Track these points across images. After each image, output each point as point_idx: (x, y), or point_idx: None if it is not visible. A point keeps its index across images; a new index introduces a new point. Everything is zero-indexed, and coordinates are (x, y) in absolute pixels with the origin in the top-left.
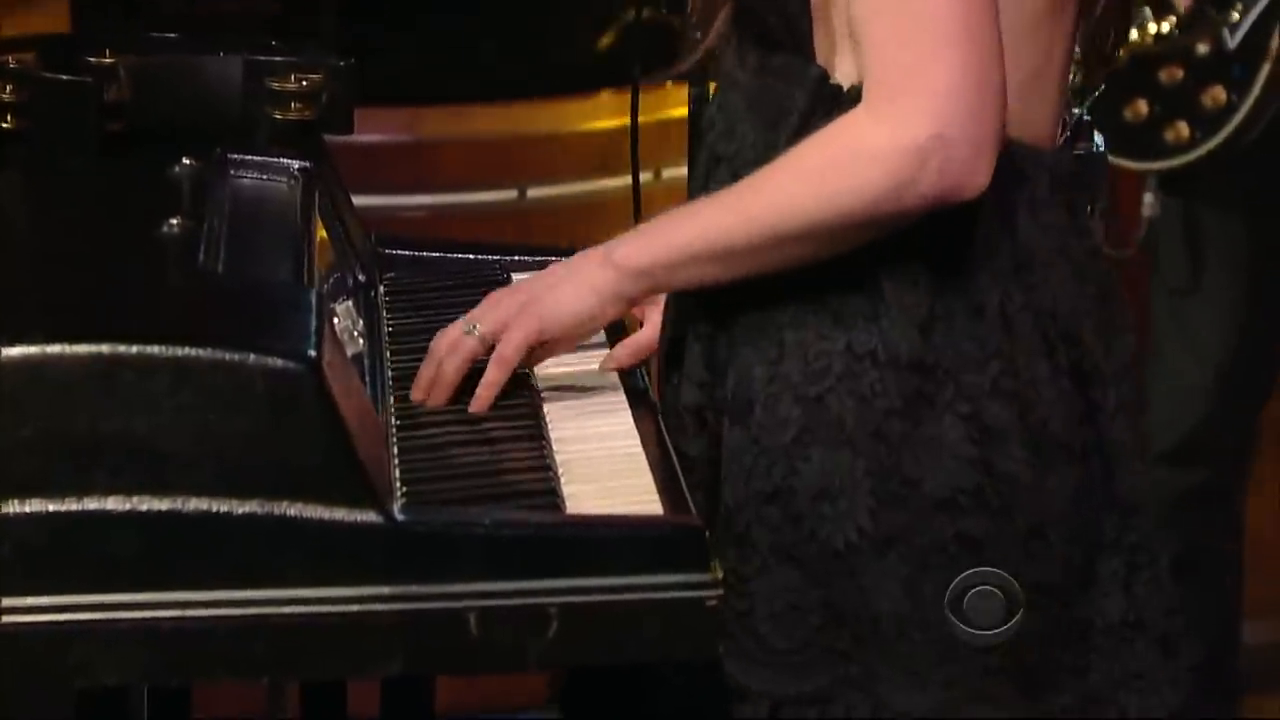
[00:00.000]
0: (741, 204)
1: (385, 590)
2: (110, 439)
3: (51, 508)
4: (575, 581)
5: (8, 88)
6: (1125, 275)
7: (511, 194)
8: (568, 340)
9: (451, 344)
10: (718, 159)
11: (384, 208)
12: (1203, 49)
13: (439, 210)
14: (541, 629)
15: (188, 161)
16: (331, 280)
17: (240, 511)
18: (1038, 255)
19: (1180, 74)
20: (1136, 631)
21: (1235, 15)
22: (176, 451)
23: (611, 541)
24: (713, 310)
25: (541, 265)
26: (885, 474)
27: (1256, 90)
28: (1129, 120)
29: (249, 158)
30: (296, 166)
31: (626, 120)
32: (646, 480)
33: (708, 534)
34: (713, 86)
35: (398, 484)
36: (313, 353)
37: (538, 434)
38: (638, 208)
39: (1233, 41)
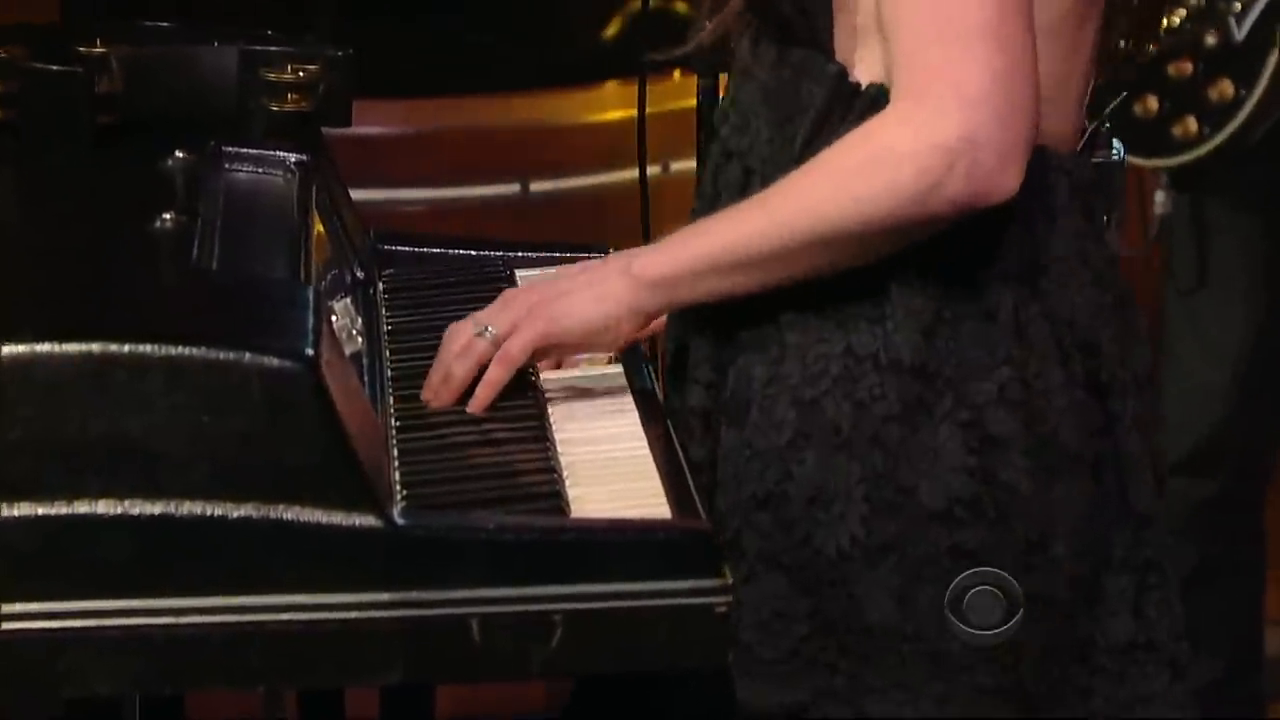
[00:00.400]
0: (767, 208)
1: (385, 596)
2: (102, 440)
3: (41, 511)
4: (580, 587)
5: None
6: (1137, 276)
7: (514, 188)
8: (576, 348)
9: (464, 348)
10: (729, 154)
11: (383, 202)
12: (1211, 41)
13: (439, 205)
14: (545, 636)
15: (181, 154)
16: (329, 277)
17: (235, 515)
18: (1056, 261)
19: (1189, 68)
20: (1146, 653)
21: (1238, 4)
22: (170, 453)
23: (617, 546)
24: (718, 311)
25: (545, 262)
26: (880, 481)
27: (1264, 82)
28: (1139, 117)
29: (244, 150)
30: (293, 160)
31: (633, 112)
32: (654, 483)
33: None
34: (724, 80)
35: (398, 486)
36: (310, 352)
37: (542, 435)
38: (645, 202)
39: (1240, 33)
